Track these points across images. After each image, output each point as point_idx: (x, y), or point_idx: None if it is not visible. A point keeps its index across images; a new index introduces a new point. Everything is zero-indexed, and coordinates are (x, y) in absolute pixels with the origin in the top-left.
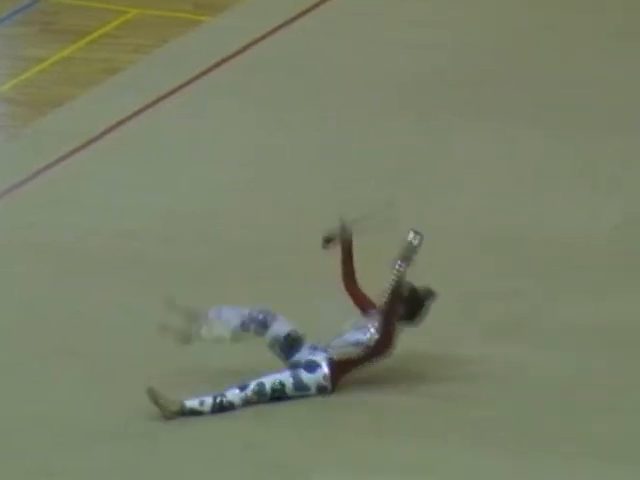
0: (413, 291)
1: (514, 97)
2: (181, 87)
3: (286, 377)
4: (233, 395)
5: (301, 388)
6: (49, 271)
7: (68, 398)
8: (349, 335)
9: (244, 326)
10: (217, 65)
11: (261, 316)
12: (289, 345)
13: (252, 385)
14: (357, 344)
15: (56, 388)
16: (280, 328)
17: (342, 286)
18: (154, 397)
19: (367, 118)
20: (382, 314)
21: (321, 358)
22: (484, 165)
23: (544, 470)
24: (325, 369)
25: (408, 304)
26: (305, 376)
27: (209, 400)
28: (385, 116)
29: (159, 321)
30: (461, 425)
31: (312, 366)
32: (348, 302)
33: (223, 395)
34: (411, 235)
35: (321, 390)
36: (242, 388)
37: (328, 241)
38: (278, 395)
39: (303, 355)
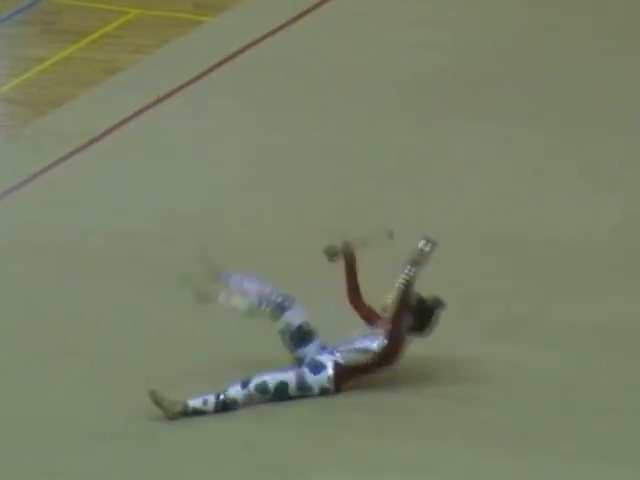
0: (421, 301)
1: (514, 97)
2: (182, 87)
3: (290, 377)
4: (236, 392)
5: (304, 388)
6: (49, 271)
7: (68, 398)
8: (358, 341)
9: (261, 304)
10: (218, 65)
11: (280, 299)
12: (300, 337)
13: (255, 382)
14: (365, 351)
15: (56, 388)
16: (295, 317)
17: (347, 300)
18: (156, 399)
19: (367, 118)
20: (390, 323)
21: (327, 360)
22: (484, 165)
23: (544, 470)
24: (330, 371)
25: (417, 314)
26: (309, 377)
27: (212, 399)
28: (385, 116)
29: (181, 273)
30: (461, 425)
31: (317, 367)
32: (348, 303)
33: (226, 393)
34: (422, 242)
35: (324, 392)
36: (244, 384)
37: (332, 255)
38: (280, 394)
39: (310, 351)
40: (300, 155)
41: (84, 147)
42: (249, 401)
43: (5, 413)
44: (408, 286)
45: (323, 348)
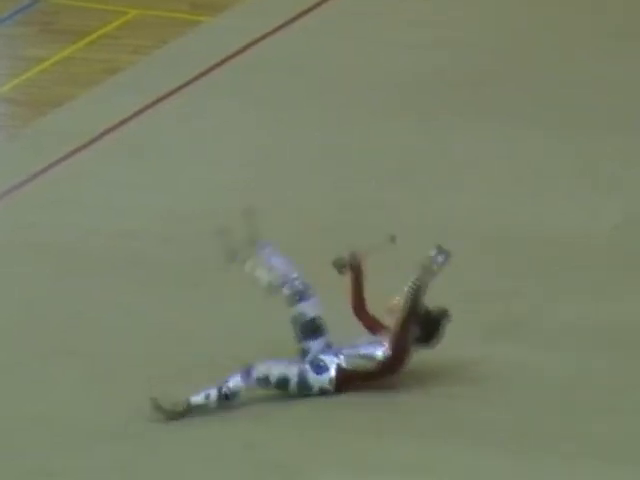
0: (427, 313)
1: (514, 97)
2: (181, 88)
3: (292, 373)
4: (237, 384)
5: (304, 387)
6: (49, 271)
7: (68, 398)
8: (363, 347)
9: (283, 285)
10: (217, 65)
11: (302, 287)
12: (310, 329)
13: (257, 375)
14: (370, 358)
15: (56, 388)
16: (310, 308)
17: (351, 309)
18: (157, 407)
19: (367, 118)
20: (396, 332)
21: (331, 362)
22: (484, 165)
23: (544, 470)
24: (332, 373)
25: (423, 326)
26: (311, 376)
27: (214, 392)
28: (385, 116)
29: (220, 226)
30: (461, 425)
31: (320, 367)
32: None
33: (227, 384)
34: (434, 251)
35: (323, 392)
36: (246, 374)
37: (340, 267)
38: (281, 388)
39: (315, 347)
40: (300, 155)
41: (84, 147)
42: (250, 391)
43: (5, 413)
44: (417, 295)
45: (328, 347)
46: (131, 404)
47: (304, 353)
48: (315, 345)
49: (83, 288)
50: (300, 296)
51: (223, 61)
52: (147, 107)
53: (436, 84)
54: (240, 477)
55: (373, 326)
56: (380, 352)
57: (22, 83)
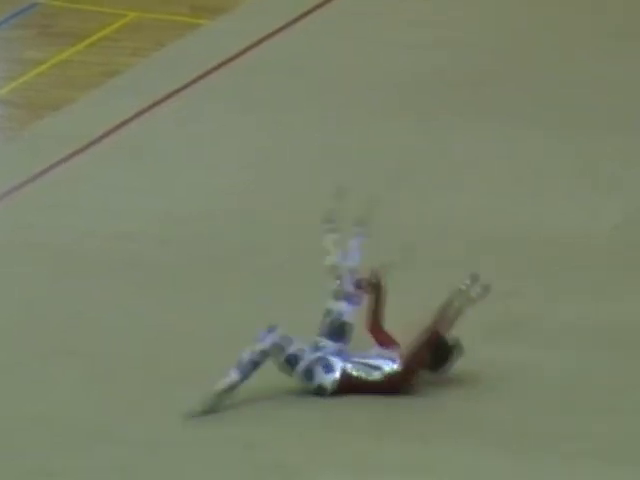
0: (442, 340)
1: (514, 97)
2: (180, 90)
3: (306, 358)
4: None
5: (307, 377)
6: (48, 272)
7: (68, 398)
8: (373, 358)
9: (341, 277)
10: (216, 68)
11: (354, 290)
12: (336, 331)
13: (278, 336)
14: (376, 369)
15: (56, 388)
16: (349, 313)
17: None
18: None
19: (367, 118)
20: (413, 350)
21: (338, 364)
22: (484, 165)
23: (544, 470)
24: (337, 376)
25: (434, 352)
26: (318, 371)
27: (235, 372)
28: (385, 116)
29: (339, 186)
30: (461, 425)
31: (329, 367)
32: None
33: (241, 360)
34: (467, 282)
35: (319, 391)
36: (267, 332)
37: (365, 285)
38: (287, 365)
39: (329, 347)
40: (300, 156)
41: (82, 150)
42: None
43: (5, 413)
44: (450, 319)
45: (341, 350)
46: (131, 404)
47: (316, 346)
48: (329, 346)
49: (82, 289)
50: (347, 297)
51: (222, 64)
52: (146, 110)
53: (436, 84)
54: (240, 477)
55: (386, 342)
56: (388, 366)
57: (20, 86)
